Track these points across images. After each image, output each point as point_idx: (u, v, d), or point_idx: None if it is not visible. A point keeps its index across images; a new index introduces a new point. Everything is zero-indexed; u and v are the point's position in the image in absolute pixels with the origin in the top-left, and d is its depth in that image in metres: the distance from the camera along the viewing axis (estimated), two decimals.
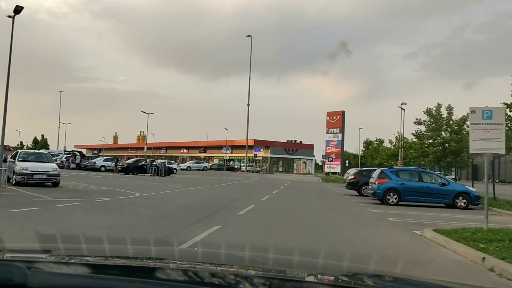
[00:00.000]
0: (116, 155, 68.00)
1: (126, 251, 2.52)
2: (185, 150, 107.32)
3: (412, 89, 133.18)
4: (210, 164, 74.55)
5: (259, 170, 74.74)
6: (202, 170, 65.80)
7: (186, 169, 64.77)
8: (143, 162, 39.79)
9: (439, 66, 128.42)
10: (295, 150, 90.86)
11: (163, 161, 41.75)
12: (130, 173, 38.51)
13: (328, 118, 69.10)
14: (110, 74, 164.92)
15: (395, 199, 17.68)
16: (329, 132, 68.35)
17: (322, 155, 68.09)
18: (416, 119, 34.05)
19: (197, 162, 68.59)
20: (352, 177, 23.91)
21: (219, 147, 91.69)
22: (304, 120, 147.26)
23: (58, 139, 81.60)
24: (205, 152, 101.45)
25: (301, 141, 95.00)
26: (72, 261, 1.86)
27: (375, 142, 60.91)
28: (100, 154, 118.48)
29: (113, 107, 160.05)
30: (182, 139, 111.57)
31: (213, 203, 15.21)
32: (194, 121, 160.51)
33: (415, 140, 35.00)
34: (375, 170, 23.48)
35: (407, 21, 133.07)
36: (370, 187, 18.80)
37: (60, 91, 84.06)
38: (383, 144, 60.56)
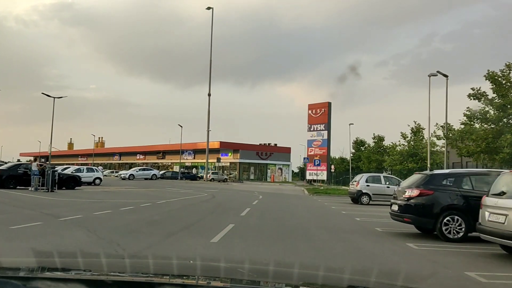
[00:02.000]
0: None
1: (124, 265, 2.49)
2: (141, 156, 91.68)
3: (383, 97, 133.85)
4: (162, 172, 59.39)
5: (226, 179, 60.30)
6: (151, 179, 50.79)
7: (129, 178, 49.60)
8: (27, 169, 24.69)
9: (408, 75, 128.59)
10: (269, 154, 76.44)
11: (53, 166, 27.07)
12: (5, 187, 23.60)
13: (310, 112, 55.14)
14: (81, 82, 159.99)
15: None
16: (312, 129, 54.33)
17: (304, 158, 54.04)
18: (472, 89, 20.56)
19: (143, 169, 53.25)
20: (416, 192, 9.59)
21: (181, 152, 76.75)
22: (278, 127, 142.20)
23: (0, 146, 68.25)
24: (163, 158, 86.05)
25: (275, 144, 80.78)
26: (69, 277, 1.82)
27: (373, 141, 47.35)
28: (47, 162, 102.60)
29: (82, 115, 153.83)
30: (140, 143, 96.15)
31: None
32: (167, 129, 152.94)
33: (462, 127, 21.55)
34: (480, 173, 9.56)
35: (378, 30, 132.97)
36: None
37: None
38: (383, 142, 46.88)
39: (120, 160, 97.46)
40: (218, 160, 60.36)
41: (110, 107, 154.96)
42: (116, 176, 55.42)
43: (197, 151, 75.40)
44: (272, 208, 17.36)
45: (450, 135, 21.17)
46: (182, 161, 78.84)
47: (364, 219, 13.99)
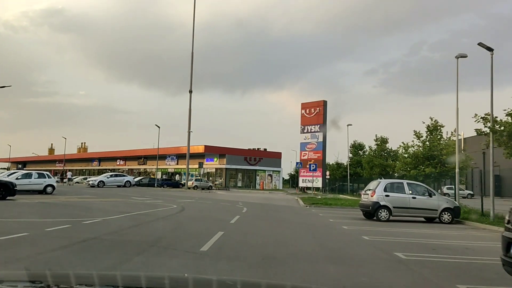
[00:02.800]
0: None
1: (114, 278, 2.36)
2: (122, 162, 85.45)
3: (372, 105, 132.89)
4: (138, 179, 53.36)
5: (210, 186, 54.46)
6: (124, 186, 44.88)
7: (98, 186, 43.63)
8: None
9: (397, 83, 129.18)
10: (259, 159, 70.68)
11: None
12: None
13: (303, 111, 49.61)
14: (70, 88, 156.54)
15: None
16: (305, 130, 48.76)
17: (297, 163, 48.51)
18: None
19: (115, 176, 47.14)
20: None
21: (163, 157, 70.74)
22: (268, 134, 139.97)
23: None
24: (145, 163, 79.89)
25: (265, 149, 75.18)
26: None
27: (375, 143, 41.89)
28: (24, 168, 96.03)
29: (71, 121, 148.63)
30: (119, 148, 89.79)
31: None
32: (156, 136, 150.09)
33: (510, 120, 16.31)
34: None
35: (368, 39, 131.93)
36: None
37: None
38: (387, 144, 41.57)
39: (99, 165, 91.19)
40: (201, 165, 54.43)
41: (100, 114, 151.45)
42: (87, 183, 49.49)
43: (180, 156, 69.41)
44: (257, 233, 11.62)
45: (497, 127, 15.91)
46: (164, 166, 72.81)
47: (408, 254, 8.39)
